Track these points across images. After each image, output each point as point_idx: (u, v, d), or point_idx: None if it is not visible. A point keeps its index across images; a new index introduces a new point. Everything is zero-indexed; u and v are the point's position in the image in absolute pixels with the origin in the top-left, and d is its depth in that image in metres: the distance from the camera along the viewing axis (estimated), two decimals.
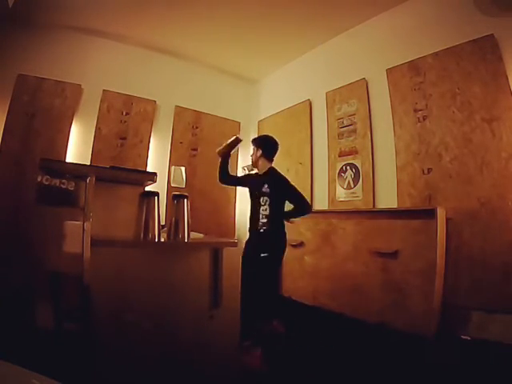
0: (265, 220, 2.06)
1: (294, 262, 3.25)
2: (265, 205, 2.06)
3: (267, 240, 2.08)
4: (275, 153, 2.28)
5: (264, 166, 2.22)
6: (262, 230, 2.07)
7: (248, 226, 2.23)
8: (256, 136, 2.39)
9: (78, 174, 1.20)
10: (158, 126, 3.93)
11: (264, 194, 2.07)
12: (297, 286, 3.17)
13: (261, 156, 2.21)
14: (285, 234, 2.16)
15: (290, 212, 2.17)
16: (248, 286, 2.04)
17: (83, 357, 1.13)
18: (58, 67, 3.38)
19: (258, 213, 2.07)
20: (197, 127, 4.20)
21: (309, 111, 3.83)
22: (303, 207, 2.16)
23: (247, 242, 2.19)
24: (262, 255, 2.01)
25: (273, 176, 2.17)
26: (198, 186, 4.07)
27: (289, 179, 2.19)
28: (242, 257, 2.16)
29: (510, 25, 2.23)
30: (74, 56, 3.51)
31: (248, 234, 2.24)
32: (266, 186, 2.08)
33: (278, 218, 2.11)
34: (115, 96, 3.65)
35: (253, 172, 2.34)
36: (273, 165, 2.26)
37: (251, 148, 2.30)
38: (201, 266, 1.35)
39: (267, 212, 2.06)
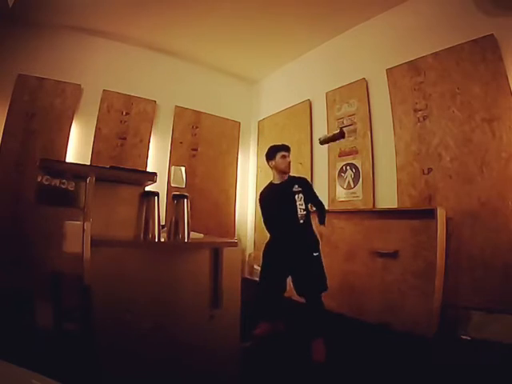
0: (304, 212, 2.19)
1: None
2: (300, 200, 2.20)
3: (308, 232, 2.22)
4: None
5: None
6: (301, 221, 2.18)
7: (274, 226, 2.32)
8: (277, 144, 2.41)
9: (78, 174, 1.20)
10: (158, 126, 3.93)
11: (298, 192, 2.21)
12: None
13: None
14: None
15: (319, 216, 2.32)
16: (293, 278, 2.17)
17: (83, 357, 1.13)
18: (58, 67, 3.38)
19: (295, 208, 2.18)
20: (197, 127, 4.20)
21: (309, 111, 3.83)
22: (322, 206, 2.35)
23: (280, 239, 2.27)
24: (315, 254, 2.16)
25: (296, 178, 2.33)
26: (198, 185, 4.06)
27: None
28: (275, 251, 2.27)
29: (510, 25, 2.23)
30: (74, 56, 3.51)
31: (275, 232, 2.32)
32: (297, 185, 2.23)
33: (309, 214, 2.26)
34: (115, 96, 3.65)
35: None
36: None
37: (274, 159, 2.31)
38: (201, 266, 1.35)
39: (303, 206, 2.20)
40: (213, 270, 1.35)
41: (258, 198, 2.49)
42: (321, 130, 3.62)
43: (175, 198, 1.36)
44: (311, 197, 2.30)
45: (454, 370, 1.70)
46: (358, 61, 3.33)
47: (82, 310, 1.14)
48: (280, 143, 2.38)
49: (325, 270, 2.15)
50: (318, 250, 2.18)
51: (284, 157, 2.27)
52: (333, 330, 2.24)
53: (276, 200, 2.29)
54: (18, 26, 3.21)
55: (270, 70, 4.50)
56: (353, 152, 3.24)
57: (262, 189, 2.46)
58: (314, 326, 2.05)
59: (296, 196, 2.20)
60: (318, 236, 2.31)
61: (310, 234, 2.23)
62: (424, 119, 2.66)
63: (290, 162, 2.30)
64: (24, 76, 3.19)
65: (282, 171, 2.29)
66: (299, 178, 2.35)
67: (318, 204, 2.32)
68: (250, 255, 4.39)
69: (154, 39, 3.79)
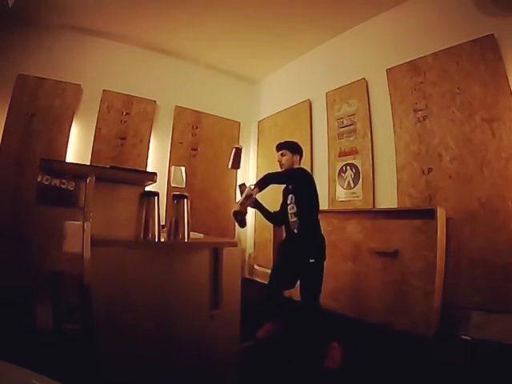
0: (294, 219, 2.00)
1: None
2: (291, 203, 2.02)
3: (303, 243, 1.97)
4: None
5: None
6: (295, 231, 2.00)
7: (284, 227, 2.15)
8: (284, 141, 2.20)
9: (78, 174, 1.20)
10: (158, 126, 3.93)
11: (289, 192, 2.06)
12: (297, 286, 3.17)
13: (298, 160, 2.16)
14: (321, 236, 2.00)
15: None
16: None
17: (83, 357, 1.13)
18: (58, 67, 3.39)
19: (288, 212, 2.04)
20: (197, 127, 4.20)
21: (309, 111, 3.83)
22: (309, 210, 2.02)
23: (284, 243, 2.15)
24: (311, 261, 1.90)
25: (295, 173, 2.08)
26: (198, 185, 4.07)
27: (313, 178, 2.09)
28: (283, 257, 2.11)
29: (510, 25, 2.23)
30: (74, 56, 3.51)
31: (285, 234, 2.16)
32: (291, 183, 2.06)
33: (308, 217, 1.99)
34: (115, 96, 3.65)
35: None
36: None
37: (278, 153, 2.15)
38: (201, 266, 1.35)
39: (294, 210, 2.00)
40: (213, 270, 1.35)
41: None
42: (321, 129, 3.63)
43: (175, 198, 1.36)
44: (301, 197, 1.99)
45: (454, 370, 1.70)
46: (358, 61, 3.33)
47: (82, 310, 1.14)
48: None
49: (320, 277, 1.93)
50: (314, 257, 1.91)
51: (281, 155, 2.13)
52: (333, 330, 2.22)
53: (283, 197, 2.14)
54: (18, 26, 3.21)
55: (270, 69, 4.50)
56: (353, 152, 3.24)
57: None
58: (313, 331, 1.97)
59: (288, 198, 2.03)
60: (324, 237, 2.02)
61: (306, 242, 1.96)
62: (424, 119, 2.66)
63: (280, 160, 2.12)
64: (24, 76, 3.19)
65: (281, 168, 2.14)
66: (297, 172, 2.05)
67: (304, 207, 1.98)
68: (250, 255, 4.39)
69: (154, 39, 3.79)
